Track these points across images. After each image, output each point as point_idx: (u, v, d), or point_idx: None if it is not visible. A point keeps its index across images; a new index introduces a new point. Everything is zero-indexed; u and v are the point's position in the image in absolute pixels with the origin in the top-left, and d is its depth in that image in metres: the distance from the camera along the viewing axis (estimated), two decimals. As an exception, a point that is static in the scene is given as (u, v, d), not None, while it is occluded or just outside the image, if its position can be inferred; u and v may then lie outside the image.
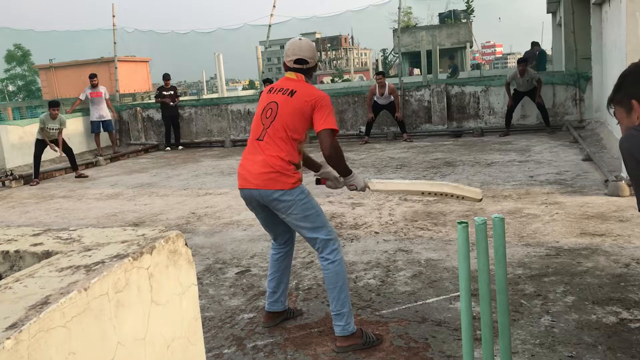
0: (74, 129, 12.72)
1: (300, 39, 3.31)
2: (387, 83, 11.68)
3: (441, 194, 3.33)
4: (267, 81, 12.94)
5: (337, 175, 3.33)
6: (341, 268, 3.13)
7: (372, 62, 36.45)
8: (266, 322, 3.47)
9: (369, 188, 3.31)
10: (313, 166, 3.50)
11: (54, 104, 10.24)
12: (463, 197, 3.32)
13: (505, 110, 11.59)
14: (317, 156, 3.46)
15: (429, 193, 3.34)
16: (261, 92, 13.06)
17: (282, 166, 3.09)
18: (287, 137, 3.12)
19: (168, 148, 13.52)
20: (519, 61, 11.34)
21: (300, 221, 3.13)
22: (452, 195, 3.31)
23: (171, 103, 13.42)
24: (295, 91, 3.17)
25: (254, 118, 3.29)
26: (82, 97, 12.88)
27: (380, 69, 32.22)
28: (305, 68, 3.26)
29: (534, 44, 17.61)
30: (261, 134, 3.16)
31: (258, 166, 3.11)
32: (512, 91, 11.15)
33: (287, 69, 3.30)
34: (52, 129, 10.05)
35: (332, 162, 3.23)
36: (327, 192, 7.15)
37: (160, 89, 13.80)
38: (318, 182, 3.46)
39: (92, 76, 12.80)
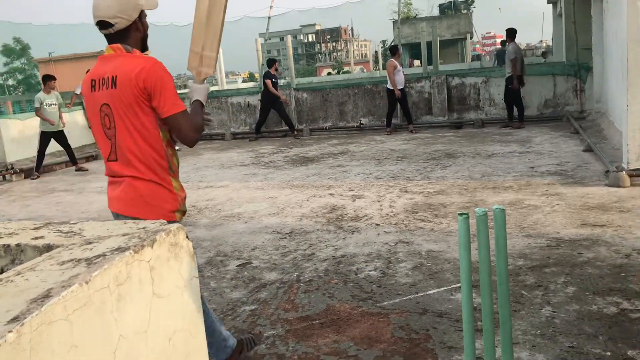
0: (73, 122, 12.71)
1: None
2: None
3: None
4: (271, 61, 12.71)
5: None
6: None
7: (372, 54, 36.32)
8: None
9: (203, 78, 2.61)
10: None
11: (47, 78, 10.20)
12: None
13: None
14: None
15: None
16: (271, 79, 12.65)
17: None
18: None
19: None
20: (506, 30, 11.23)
21: None
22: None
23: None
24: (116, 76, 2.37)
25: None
26: (77, 91, 12.63)
27: (380, 60, 32.15)
28: (113, 33, 2.42)
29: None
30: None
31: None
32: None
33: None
34: (50, 105, 9.90)
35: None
36: (328, 185, 7.16)
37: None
38: None
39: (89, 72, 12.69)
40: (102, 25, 2.40)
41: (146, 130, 2.40)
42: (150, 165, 2.44)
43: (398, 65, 11.52)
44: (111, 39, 2.44)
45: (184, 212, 2.60)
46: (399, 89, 11.44)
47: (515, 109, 11.03)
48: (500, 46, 17.48)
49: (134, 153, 2.41)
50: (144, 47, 2.52)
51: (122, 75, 2.35)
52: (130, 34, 2.43)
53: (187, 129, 2.41)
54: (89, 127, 13.15)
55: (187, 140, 2.45)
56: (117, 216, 2.50)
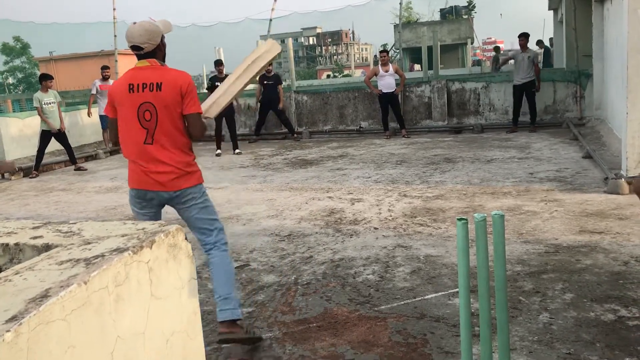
0: (74, 121, 12.70)
1: (133, 23, 3.14)
2: (390, 64, 11.68)
3: (253, 76, 3.49)
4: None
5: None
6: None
7: (373, 58, 36.35)
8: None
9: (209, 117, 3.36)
10: None
11: (43, 77, 10.23)
12: (270, 62, 3.53)
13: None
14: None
15: (246, 81, 3.46)
16: (262, 82, 12.83)
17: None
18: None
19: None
20: (521, 35, 10.91)
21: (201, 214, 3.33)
22: (263, 66, 3.51)
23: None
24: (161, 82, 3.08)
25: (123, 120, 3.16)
26: (93, 91, 12.07)
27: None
28: (143, 54, 3.12)
29: (539, 42, 17.49)
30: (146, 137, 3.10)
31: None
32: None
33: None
34: (49, 104, 9.85)
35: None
36: (327, 188, 7.16)
37: (213, 79, 11.84)
38: None
39: (105, 68, 12.07)
40: (134, 48, 3.11)
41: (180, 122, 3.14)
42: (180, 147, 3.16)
43: (381, 70, 11.54)
44: (143, 56, 3.13)
45: None
46: (384, 93, 11.51)
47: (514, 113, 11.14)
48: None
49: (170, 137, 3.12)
50: (164, 61, 3.27)
51: (166, 82, 3.06)
52: (156, 53, 3.15)
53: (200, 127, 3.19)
54: (108, 119, 12.84)
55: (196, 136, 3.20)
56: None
